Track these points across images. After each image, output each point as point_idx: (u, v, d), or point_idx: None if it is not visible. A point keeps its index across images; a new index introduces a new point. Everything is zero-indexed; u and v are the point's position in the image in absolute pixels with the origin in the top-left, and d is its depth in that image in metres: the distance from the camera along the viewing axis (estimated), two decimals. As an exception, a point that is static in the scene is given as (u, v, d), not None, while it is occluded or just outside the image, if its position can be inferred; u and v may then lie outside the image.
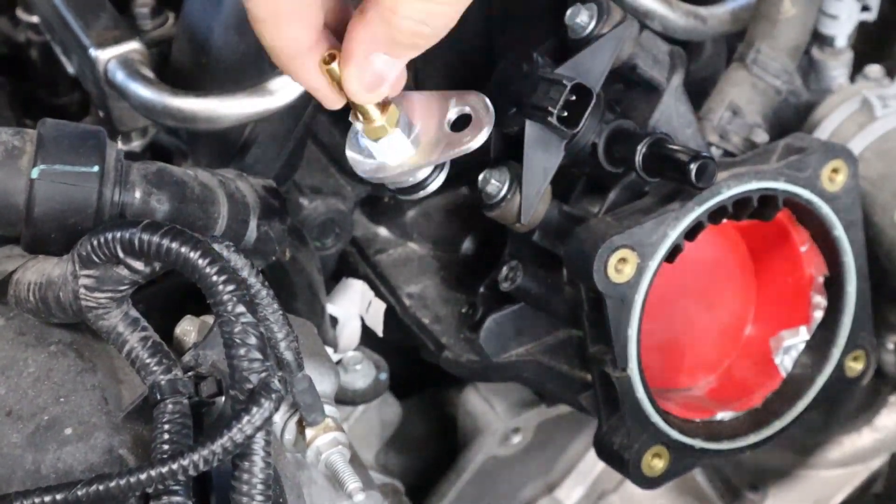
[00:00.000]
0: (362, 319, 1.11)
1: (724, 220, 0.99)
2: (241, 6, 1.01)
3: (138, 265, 0.76)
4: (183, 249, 0.72)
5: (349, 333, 1.10)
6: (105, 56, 1.05)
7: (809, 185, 1.02)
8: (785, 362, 1.08)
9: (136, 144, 1.14)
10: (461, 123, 0.78)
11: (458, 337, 1.06)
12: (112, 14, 1.09)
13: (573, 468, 1.30)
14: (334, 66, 0.74)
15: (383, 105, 0.77)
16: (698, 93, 1.07)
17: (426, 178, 0.81)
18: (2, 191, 0.78)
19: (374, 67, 0.74)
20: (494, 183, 0.96)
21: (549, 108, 0.91)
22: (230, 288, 0.71)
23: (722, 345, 1.10)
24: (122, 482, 0.68)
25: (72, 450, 0.74)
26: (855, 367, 1.09)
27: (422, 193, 0.82)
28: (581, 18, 0.94)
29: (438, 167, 0.81)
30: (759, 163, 1.02)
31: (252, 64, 0.93)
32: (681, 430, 1.02)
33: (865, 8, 1.14)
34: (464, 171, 0.97)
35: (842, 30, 1.14)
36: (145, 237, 0.73)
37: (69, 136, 0.79)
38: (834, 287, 1.07)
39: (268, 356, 0.72)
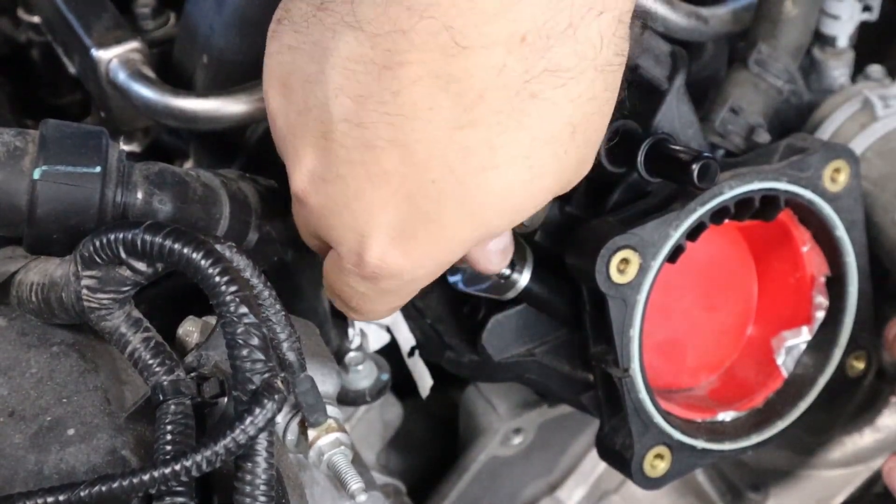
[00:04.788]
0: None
1: (726, 221, 0.99)
2: (242, 6, 1.02)
3: (141, 266, 0.76)
4: (185, 250, 0.72)
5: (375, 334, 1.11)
6: (106, 56, 1.05)
7: (811, 186, 1.02)
8: (787, 362, 1.08)
9: (138, 145, 1.14)
10: None
11: (460, 337, 1.06)
12: (113, 14, 1.09)
13: (575, 468, 1.30)
14: None
15: None
16: (699, 93, 1.06)
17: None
18: (4, 192, 0.78)
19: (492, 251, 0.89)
20: (496, 183, 0.95)
21: (552, 109, 0.90)
22: (233, 289, 0.71)
23: (724, 345, 1.10)
24: (125, 483, 0.68)
25: (74, 451, 0.74)
26: (856, 367, 1.09)
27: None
28: (583, 19, 0.94)
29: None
30: (761, 163, 1.02)
31: (254, 64, 0.93)
32: (683, 430, 1.02)
33: (867, 8, 1.14)
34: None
35: (843, 30, 1.14)
36: (148, 238, 0.73)
37: (71, 137, 0.79)
38: (836, 287, 1.07)
39: (270, 357, 0.72)
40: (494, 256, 0.89)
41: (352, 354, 1.10)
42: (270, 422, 0.71)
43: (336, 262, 0.82)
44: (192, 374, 0.77)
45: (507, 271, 0.99)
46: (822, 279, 1.07)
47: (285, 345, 0.78)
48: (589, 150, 0.78)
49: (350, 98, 0.75)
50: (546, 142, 0.75)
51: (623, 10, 0.74)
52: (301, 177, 0.79)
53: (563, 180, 0.78)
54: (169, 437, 0.72)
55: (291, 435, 0.84)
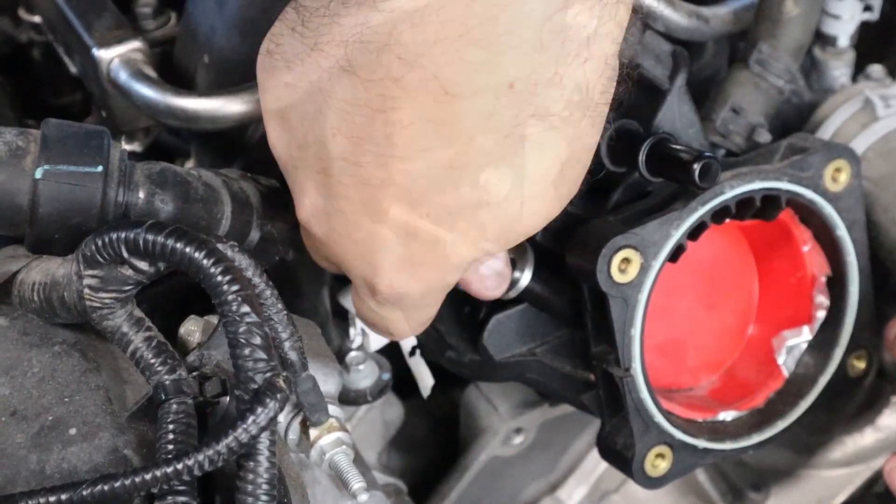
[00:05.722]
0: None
1: (727, 220, 0.99)
2: (244, 6, 1.02)
3: (143, 265, 0.76)
4: (187, 250, 0.72)
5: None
6: (108, 56, 1.06)
7: (812, 185, 1.02)
8: (787, 362, 1.08)
9: (139, 144, 1.14)
10: None
11: (461, 337, 1.06)
12: (115, 14, 1.09)
13: (575, 468, 1.30)
14: None
15: None
16: (700, 93, 1.06)
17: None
18: (6, 191, 0.78)
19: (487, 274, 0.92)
20: (498, 183, 0.95)
21: (553, 109, 0.91)
22: (235, 288, 0.72)
23: (725, 344, 1.10)
24: (127, 482, 0.68)
25: (76, 450, 0.74)
26: (857, 366, 1.09)
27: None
28: (584, 18, 0.94)
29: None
30: (762, 163, 1.02)
31: (255, 63, 0.93)
32: (684, 429, 1.02)
33: (868, 8, 1.14)
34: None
35: (844, 29, 1.14)
36: (150, 237, 0.73)
37: (73, 137, 0.80)
38: (837, 287, 1.07)
39: (273, 356, 0.72)
40: (490, 281, 0.92)
41: (353, 354, 1.10)
42: (272, 421, 0.71)
43: (356, 289, 0.85)
44: (194, 374, 0.77)
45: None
46: (823, 279, 1.07)
47: (287, 344, 0.78)
48: (576, 183, 0.81)
49: (346, 138, 0.77)
50: (537, 180, 0.77)
51: (609, 54, 0.76)
52: (304, 209, 0.82)
53: (553, 212, 0.81)
54: (171, 436, 0.72)
55: (293, 434, 0.84)
